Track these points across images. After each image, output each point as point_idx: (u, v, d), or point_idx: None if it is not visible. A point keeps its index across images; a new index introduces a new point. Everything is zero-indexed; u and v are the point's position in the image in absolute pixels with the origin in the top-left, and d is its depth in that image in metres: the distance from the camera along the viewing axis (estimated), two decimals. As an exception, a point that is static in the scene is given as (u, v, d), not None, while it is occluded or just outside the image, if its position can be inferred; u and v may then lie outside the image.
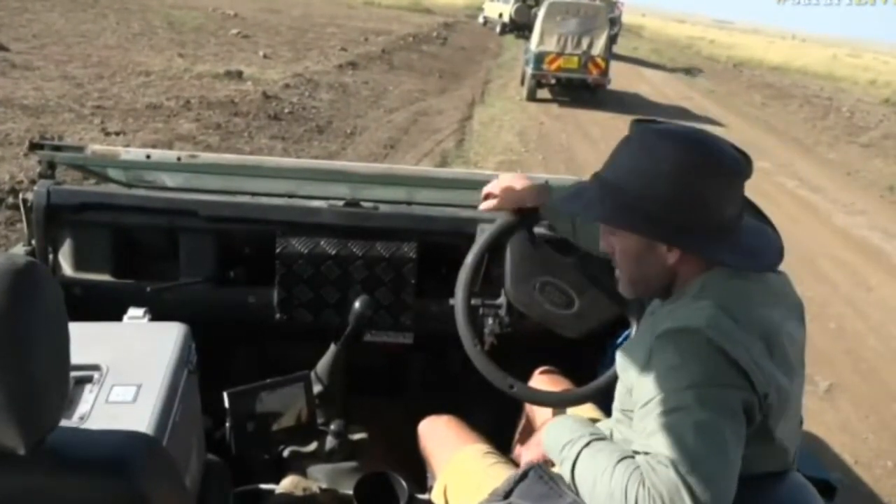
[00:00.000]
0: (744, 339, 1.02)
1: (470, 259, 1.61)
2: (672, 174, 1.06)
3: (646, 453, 0.98)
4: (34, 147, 1.81)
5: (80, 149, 1.88)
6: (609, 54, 12.18)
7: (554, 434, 1.17)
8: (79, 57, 10.10)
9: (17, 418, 0.74)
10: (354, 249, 1.85)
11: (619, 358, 1.19)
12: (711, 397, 0.98)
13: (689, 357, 1.00)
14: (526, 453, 1.32)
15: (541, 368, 1.79)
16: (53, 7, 14.71)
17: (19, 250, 1.79)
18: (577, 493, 1.07)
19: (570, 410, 1.55)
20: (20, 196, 1.85)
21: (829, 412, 3.60)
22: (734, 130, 10.99)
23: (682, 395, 0.98)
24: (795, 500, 1.11)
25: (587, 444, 1.09)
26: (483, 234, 1.65)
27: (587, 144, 9.23)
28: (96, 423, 1.12)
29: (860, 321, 4.80)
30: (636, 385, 1.08)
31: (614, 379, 1.39)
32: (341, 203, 1.89)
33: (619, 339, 1.76)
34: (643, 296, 1.25)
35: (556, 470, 1.18)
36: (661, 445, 0.96)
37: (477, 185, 2.15)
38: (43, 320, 0.77)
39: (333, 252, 1.84)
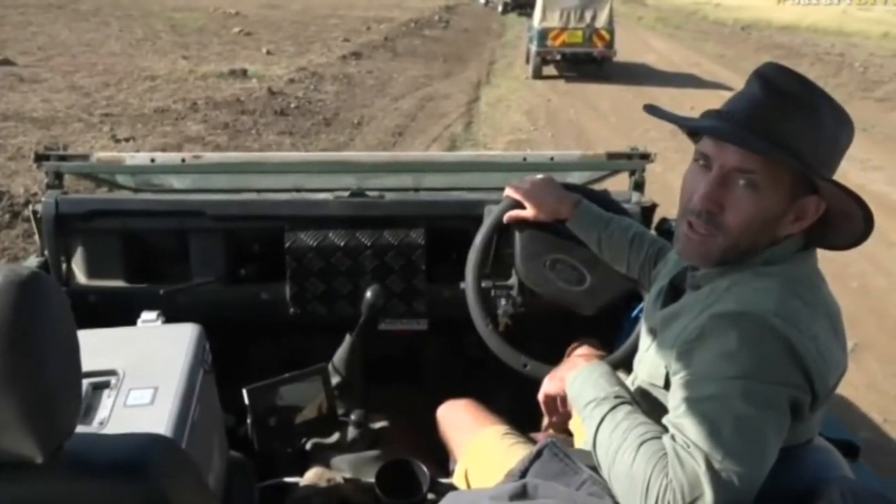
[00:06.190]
0: (811, 325, 0.95)
1: (478, 241, 1.60)
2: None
3: (675, 433, 0.93)
4: (39, 158, 1.82)
5: (85, 157, 1.89)
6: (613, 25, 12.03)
7: (579, 385, 1.12)
8: (84, 66, 10.18)
9: (32, 428, 0.75)
10: (363, 239, 1.84)
11: (656, 329, 1.12)
12: (760, 392, 0.92)
13: (748, 345, 0.93)
14: (547, 384, 1.28)
15: (574, 344, 1.76)
16: (57, 18, 14.80)
17: (33, 262, 1.81)
18: (594, 464, 1.04)
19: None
20: (30, 207, 1.87)
21: (855, 372, 3.56)
22: (745, 94, 10.79)
23: (729, 384, 0.92)
24: (818, 463, 1.09)
25: (612, 408, 1.04)
26: (490, 215, 1.64)
27: (597, 119, 9.13)
28: (115, 427, 1.13)
29: (883, 278, 4.73)
30: (676, 360, 1.01)
31: (631, 353, 1.38)
32: (347, 194, 1.89)
33: (634, 313, 1.75)
34: (716, 265, 1.08)
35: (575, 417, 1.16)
36: (693, 432, 0.91)
37: (481, 166, 2.15)
38: (50, 329, 0.78)
39: (342, 243, 1.84)
